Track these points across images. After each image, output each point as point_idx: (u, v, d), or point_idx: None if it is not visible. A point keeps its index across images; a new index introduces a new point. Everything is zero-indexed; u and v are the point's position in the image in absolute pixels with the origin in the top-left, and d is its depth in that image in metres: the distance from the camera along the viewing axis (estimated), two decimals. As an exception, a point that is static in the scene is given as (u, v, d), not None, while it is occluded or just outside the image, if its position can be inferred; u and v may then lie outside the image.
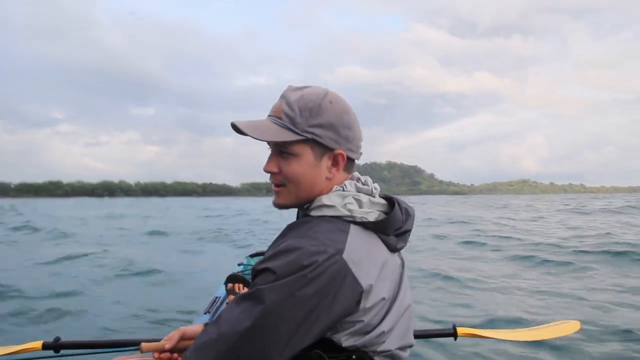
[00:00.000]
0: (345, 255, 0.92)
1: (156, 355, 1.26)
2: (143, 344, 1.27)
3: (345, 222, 1.00)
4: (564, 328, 2.11)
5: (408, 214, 1.11)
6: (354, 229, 0.99)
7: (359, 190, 1.06)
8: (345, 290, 0.91)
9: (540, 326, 2.21)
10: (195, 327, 1.31)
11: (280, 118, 1.02)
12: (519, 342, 3.63)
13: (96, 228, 19.00)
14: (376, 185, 1.10)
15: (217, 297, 2.71)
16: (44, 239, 14.15)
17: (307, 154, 1.03)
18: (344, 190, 1.05)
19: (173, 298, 5.91)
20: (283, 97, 1.05)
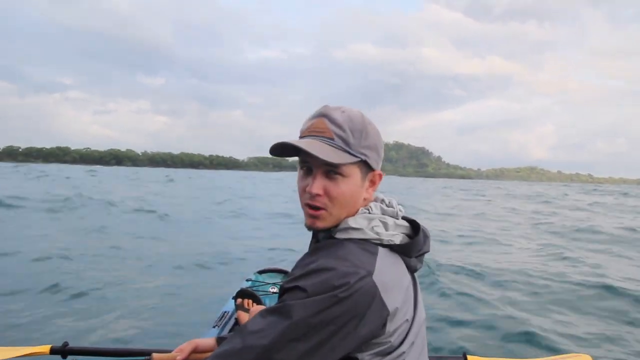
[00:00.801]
0: (375, 277, 0.92)
1: None
2: (154, 355, 1.28)
3: (373, 244, 1.00)
4: None
5: (426, 236, 1.11)
6: (381, 252, 1.00)
7: (384, 213, 1.07)
8: (372, 312, 0.91)
9: (551, 358, 2.18)
10: (208, 340, 1.34)
11: (331, 139, 1.00)
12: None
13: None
14: (401, 207, 1.11)
15: (225, 312, 2.58)
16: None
17: (356, 174, 1.03)
18: (369, 213, 1.05)
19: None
20: (325, 116, 1.02)
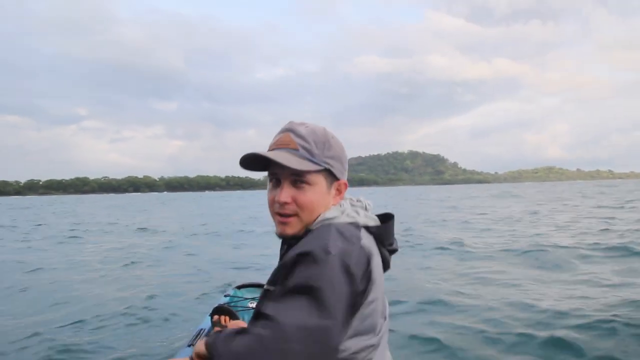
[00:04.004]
0: (363, 244, 1.03)
1: None
2: None
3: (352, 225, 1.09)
4: None
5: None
6: (362, 230, 1.08)
7: (353, 206, 1.16)
8: (366, 273, 0.99)
9: None
10: None
11: (296, 150, 1.08)
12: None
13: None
14: (369, 202, 1.20)
15: (201, 329, 2.52)
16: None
17: (321, 182, 1.11)
18: (340, 207, 1.14)
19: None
20: (291, 130, 1.11)
